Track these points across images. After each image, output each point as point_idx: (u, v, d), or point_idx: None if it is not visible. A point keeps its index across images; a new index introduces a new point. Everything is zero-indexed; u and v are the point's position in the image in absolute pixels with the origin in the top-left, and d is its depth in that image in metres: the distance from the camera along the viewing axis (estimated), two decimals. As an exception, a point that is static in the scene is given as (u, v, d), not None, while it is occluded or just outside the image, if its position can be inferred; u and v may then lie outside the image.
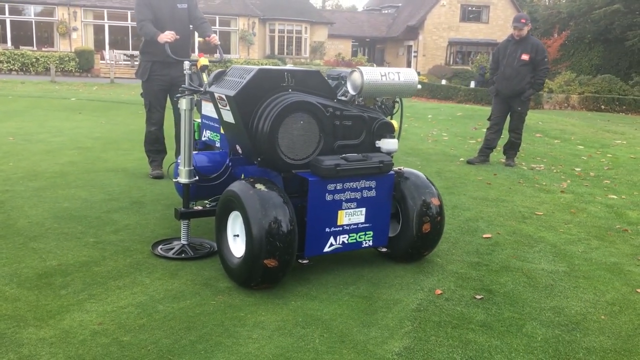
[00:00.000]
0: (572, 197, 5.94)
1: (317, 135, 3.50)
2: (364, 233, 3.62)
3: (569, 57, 34.88)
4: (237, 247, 3.44)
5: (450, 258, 3.94)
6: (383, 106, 3.95)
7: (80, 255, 3.72)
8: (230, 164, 3.88)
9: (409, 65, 38.69)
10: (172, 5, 5.53)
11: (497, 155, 8.02)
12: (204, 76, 5.15)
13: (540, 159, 8.30)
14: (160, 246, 3.92)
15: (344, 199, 3.49)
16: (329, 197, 3.43)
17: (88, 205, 4.82)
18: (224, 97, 3.47)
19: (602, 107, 22.42)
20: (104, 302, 3.06)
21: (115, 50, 31.68)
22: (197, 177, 3.83)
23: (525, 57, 7.29)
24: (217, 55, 5.45)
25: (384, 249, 3.77)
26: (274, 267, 3.18)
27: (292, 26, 35.72)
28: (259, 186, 3.30)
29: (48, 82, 21.48)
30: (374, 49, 43.76)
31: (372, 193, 3.59)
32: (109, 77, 25.09)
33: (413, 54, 38.76)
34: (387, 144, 3.69)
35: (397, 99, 4.00)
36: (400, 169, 3.84)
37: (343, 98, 3.69)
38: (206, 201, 4.08)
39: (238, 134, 3.56)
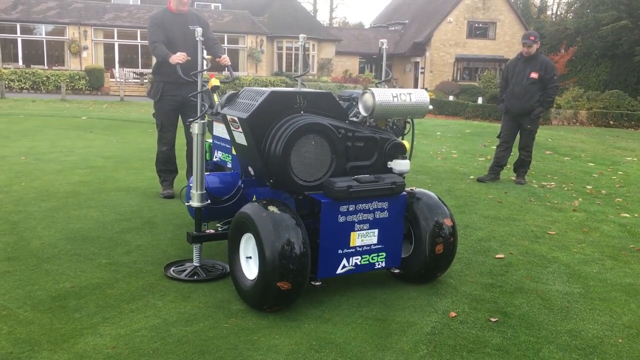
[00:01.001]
0: (584, 215, 5.90)
1: (329, 157, 3.51)
2: (376, 254, 3.61)
3: (576, 72, 34.92)
4: (250, 269, 3.44)
5: (464, 279, 3.91)
6: (394, 127, 3.96)
7: (93, 277, 3.72)
8: (242, 185, 3.89)
9: (416, 82, 38.80)
10: (185, 27, 5.58)
11: (507, 172, 8.00)
12: (215, 97, 5.21)
13: (551, 176, 8.27)
14: (172, 268, 3.93)
15: (356, 220, 3.48)
16: (341, 219, 3.43)
17: (100, 225, 4.83)
18: (236, 119, 3.49)
19: (611, 122, 22.40)
20: (117, 326, 3.06)
21: (125, 69, 32.00)
22: (209, 201, 3.84)
23: (534, 75, 7.27)
24: (226, 73, 5.50)
25: (397, 270, 3.76)
26: (287, 290, 3.17)
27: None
28: (271, 208, 3.30)
29: (59, 101, 21.73)
30: (378, 66, 43.90)
31: (385, 214, 3.58)
32: (118, 95, 25.34)
33: (420, 70, 38.89)
34: (399, 165, 3.69)
35: (409, 119, 4.00)
36: (412, 190, 3.83)
37: (354, 119, 3.71)
38: (218, 224, 4.09)
39: (250, 155, 3.57)
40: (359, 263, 3.56)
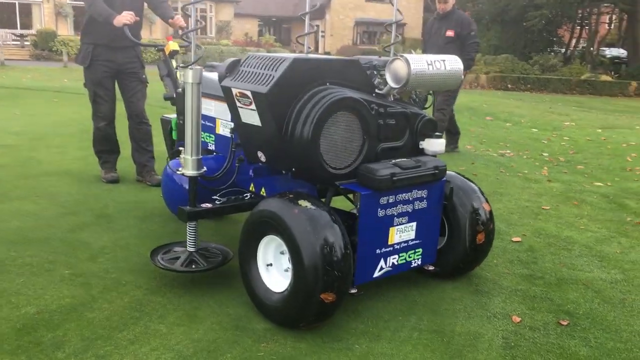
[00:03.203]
0: (561, 186, 5.73)
1: (360, 139, 2.90)
2: (413, 251, 3.08)
3: (470, 37, 35.79)
4: (274, 279, 2.80)
5: (496, 270, 3.50)
6: (417, 100, 3.41)
7: (61, 295, 2.92)
8: (252, 174, 3.19)
9: (317, 45, 38.27)
10: None
11: (464, 141, 7.70)
12: (174, 63, 4.40)
13: (504, 144, 8.12)
14: (159, 255, 3.20)
15: (395, 213, 2.93)
16: (381, 213, 2.86)
17: (43, 223, 3.94)
18: (248, 93, 2.78)
19: (509, 86, 22.99)
20: (122, 367, 2.34)
21: (1, 30, 28.93)
22: (205, 169, 3.12)
23: (450, 33, 6.75)
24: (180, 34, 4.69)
25: (432, 268, 3.25)
26: (332, 302, 2.58)
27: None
28: (303, 203, 2.67)
29: None
30: (280, 28, 42.95)
31: (424, 204, 3.05)
32: (-3, 60, 22.77)
33: (321, 34, 38.36)
34: (434, 144, 3.15)
35: (431, 91, 3.47)
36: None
37: (378, 92, 3.11)
38: (216, 197, 3.37)
39: (264, 138, 2.89)
40: (396, 263, 3.01)
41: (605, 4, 28.29)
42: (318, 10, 37.54)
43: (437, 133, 3.18)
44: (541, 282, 3.36)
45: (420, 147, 3.16)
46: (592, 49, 29.38)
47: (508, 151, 7.55)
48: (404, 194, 2.93)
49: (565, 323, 2.87)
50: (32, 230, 3.79)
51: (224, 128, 3.53)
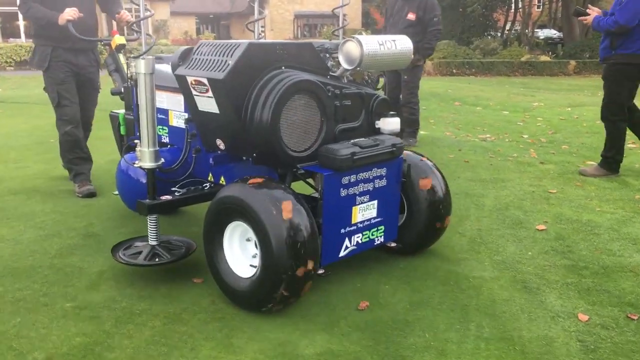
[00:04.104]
0: (556, 167, 5.77)
1: (318, 121, 2.93)
2: (376, 229, 3.13)
3: (409, 25, 36.29)
4: (241, 264, 2.80)
5: (536, 263, 3.40)
6: (369, 81, 3.46)
7: (68, 334, 2.56)
8: (212, 162, 3.16)
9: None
10: None
11: (442, 128, 7.63)
12: (122, 57, 4.33)
13: (481, 128, 8.09)
14: (120, 251, 3.15)
15: (357, 192, 2.97)
16: (343, 192, 2.90)
17: (24, 248, 3.53)
18: (204, 81, 2.76)
19: (454, 71, 23.46)
20: None
21: None
22: (163, 160, 3.09)
23: (411, 16, 6.30)
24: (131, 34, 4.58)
25: (394, 244, 3.31)
26: (303, 276, 2.61)
27: (129, 4, 33.36)
28: (265, 186, 2.68)
29: None
30: (218, 25, 42.48)
31: (383, 182, 3.10)
32: None
33: (261, 29, 38.12)
34: (389, 123, 3.20)
35: (382, 72, 3.52)
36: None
37: (332, 74, 3.14)
38: (175, 189, 3.33)
39: (222, 125, 2.88)
40: (360, 241, 3.06)
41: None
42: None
43: (390, 112, 3.24)
44: (588, 273, 3.26)
45: (377, 126, 3.21)
46: (526, 31, 30.21)
47: (488, 135, 7.50)
48: (365, 173, 2.97)
49: (635, 317, 2.77)
50: (14, 259, 3.37)
51: (178, 119, 3.50)
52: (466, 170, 5.63)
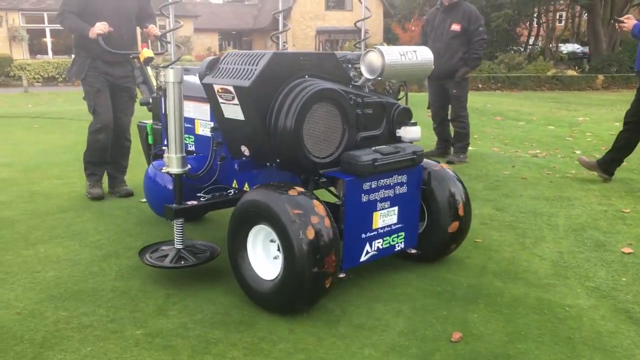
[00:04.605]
0: (620, 185, 5.48)
1: (340, 128, 3.01)
2: (396, 235, 3.19)
3: (431, 40, 36.35)
4: (265, 267, 2.88)
5: (635, 290, 3.17)
6: (390, 91, 3.53)
7: None
8: (237, 167, 3.26)
9: (279, 56, 38.37)
10: None
11: (487, 144, 7.44)
12: (150, 70, 4.46)
13: (529, 143, 7.92)
14: (147, 254, 3.25)
15: (378, 198, 3.04)
16: (364, 198, 2.96)
17: (83, 270, 3.38)
18: (231, 89, 2.86)
19: (480, 85, 23.40)
20: None
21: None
22: (190, 166, 3.20)
23: (456, 27, 6.23)
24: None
25: (414, 251, 3.36)
26: (325, 285, 2.68)
27: (162, 20, 33.96)
28: (289, 191, 2.76)
29: None
30: (240, 41, 42.96)
31: (404, 189, 3.17)
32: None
33: (284, 45, 38.49)
34: (410, 132, 3.27)
35: (403, 82, 3.59)
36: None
37: (354, 83, 3.23)
38: (200, 194, 3.43)
39: (247, 132, 2.97)
40: (380, 247, 3.12)
41: (561, 0, 29.03)
42: (278, 21, 37.70)
43: (411, 121, 3.31)
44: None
45: (397, 135, 3.27)
46: (550, 45, 30.13)
47: (538, 151, 7.26)
48: (385, 179, 3.04)
49: None
50: (73, 280, 3.23)
51: (204, 128, 3.60)
52: (527, 188, 5.41)
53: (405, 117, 3.30)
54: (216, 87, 2.96)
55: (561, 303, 3.01)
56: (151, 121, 4.27)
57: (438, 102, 6.77)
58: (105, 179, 5.11)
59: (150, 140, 4.23)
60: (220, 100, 2.99)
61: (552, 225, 4.33)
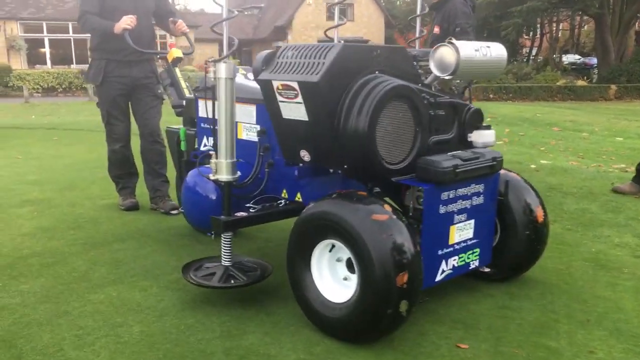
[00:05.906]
0: None
1: (413, 130, 2.67)
2: (472, 251, 2.85)
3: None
4: (332, 288, 2.53)
5: None
6: (456, 92, 3.20)
7: None
8: (297, 174, 2.91)
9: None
10: None
11: (561, 157, 6.94)
12: (177, 71, 4.13)
13: (607, 156, 7.40)
14: (191, 272, 2.90)
15: (455, 210, 2.70)
16: (442, 210, 2.62)
17: (176, 323, 2.69)
18: (294, 85, 2.52)
19: (491, 96, 23.10)
20: None
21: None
22: (239, 173, 2.86)
23: (436, 29, 5.64)
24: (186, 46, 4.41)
25: (487, 269, 3.02)
26: (406, 310, 2.33)
27: (155, 30, 33.71)
28: (365, 202, 2.42)
29: None
30: (240, 51, 42.73)
31: (481, 200, 2.82)
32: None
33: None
34: (484, 136, 2.93)
35: (469, 82, 3.27)
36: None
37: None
38: (250, 205, 3.07)
39: (311, 134, 2.62)
40: (456, 265, 2.77)
41: (562, 10, 28.88)
42: (279, 32, 37.57)
43: (483, 124, 2.98)
44: None
45: (469, 139, 2.94)
46: (554, 55, 29.97)
47: (623, 165, 6.60)
48: (463, 189, 2.70)
49: None
50: (170, 339, 2.53)
51: (248, 132, 3.26)
52: None
53: (478, 120, 2.96)
54: (275, 84, 2.62)
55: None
56: (181, 126, 3.94)
57: None
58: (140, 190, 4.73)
59: (182, 147, 3.89)
60: (279, 98, 2.64)
61: None
